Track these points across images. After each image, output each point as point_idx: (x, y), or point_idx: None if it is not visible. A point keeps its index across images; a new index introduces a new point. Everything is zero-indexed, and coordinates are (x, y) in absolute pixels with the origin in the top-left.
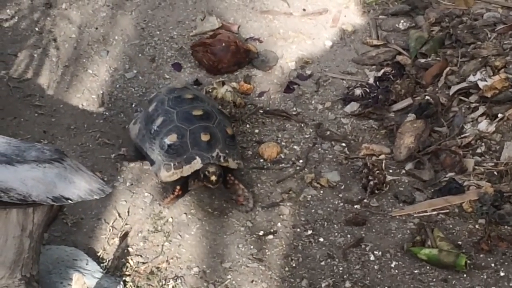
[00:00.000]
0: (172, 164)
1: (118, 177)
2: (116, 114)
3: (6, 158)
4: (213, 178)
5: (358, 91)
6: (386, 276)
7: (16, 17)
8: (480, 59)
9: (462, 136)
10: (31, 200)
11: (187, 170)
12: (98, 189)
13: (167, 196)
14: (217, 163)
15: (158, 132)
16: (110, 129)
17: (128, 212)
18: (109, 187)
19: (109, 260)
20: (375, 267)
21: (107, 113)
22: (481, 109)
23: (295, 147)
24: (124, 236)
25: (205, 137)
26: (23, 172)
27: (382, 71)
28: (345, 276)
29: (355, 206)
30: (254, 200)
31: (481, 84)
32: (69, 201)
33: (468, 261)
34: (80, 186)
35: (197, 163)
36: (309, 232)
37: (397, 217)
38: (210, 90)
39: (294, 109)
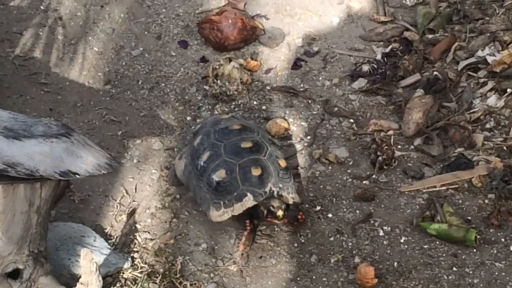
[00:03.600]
0: (221, 203)
1: (125, 154)
2: (122, 92)
3: (13, 133)
4: (280, 213)
5: (365, 67)
6: (396, 251)
7: None
8: (488, 34)
9: (471, 111)
10: (39, 175)
11: (238, 208)
12: (105, 164)
13: (239, 237)
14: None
15: (205, 168)
16: (116, 106)
17: (136, 189)
18: (116, 162)
19: (117, 237)
20: (384, 242)
21: (113, 91)
22: (490, 84)
23: (303, 123)
24: (132, 212)
25: (256, 172)
26: (30, 147)
27: (390, 47)
28: (354, 252)
29: (364, 182)
30: None
31: (489, 59)
32: (77, 176)
33: (478, 236)
34: (87, 161)
35: (248, 201)
36: (318, 208)
37: (406, 192)
38: (217, 67)
39: (302, 85)
